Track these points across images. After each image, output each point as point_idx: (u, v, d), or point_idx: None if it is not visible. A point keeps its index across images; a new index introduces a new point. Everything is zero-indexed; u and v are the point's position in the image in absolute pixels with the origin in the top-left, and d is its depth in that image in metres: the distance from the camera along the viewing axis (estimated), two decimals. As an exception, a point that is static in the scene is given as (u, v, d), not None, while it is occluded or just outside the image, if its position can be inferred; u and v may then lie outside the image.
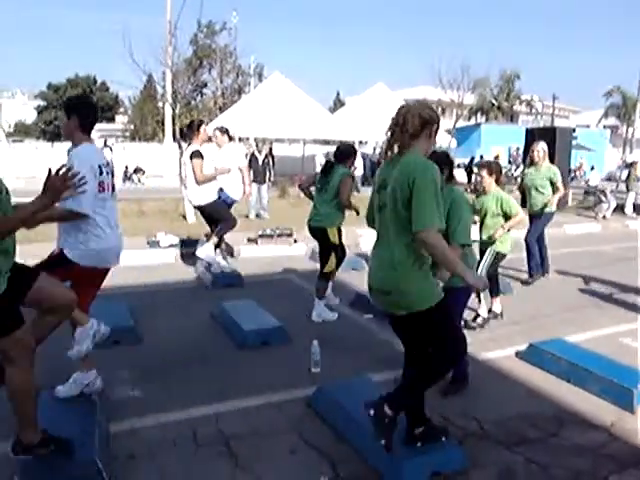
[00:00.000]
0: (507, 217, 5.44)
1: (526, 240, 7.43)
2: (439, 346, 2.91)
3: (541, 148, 7.29)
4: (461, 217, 3.81)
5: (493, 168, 5.52)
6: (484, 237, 5.56)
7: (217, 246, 7.04)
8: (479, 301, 5.51)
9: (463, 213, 3.85)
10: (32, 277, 2.99)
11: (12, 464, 2.94)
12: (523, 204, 7.38)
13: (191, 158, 6.57)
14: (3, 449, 3.24)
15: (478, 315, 5.53)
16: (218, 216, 6.91)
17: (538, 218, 7.35)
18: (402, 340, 3.17)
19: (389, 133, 2.83)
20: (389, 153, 2.88)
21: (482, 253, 5.49)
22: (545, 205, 7.22)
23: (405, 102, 3.03)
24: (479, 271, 5.25)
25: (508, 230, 5.47)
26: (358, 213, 5.84)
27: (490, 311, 5.67)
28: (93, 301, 3.93)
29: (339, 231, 5.72)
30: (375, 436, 2.92)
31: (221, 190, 7.34)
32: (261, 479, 3.02)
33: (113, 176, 3.70)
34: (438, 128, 2.88)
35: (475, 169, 5.82)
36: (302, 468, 3.13)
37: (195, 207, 7.08)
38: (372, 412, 2.91)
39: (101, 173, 3.49)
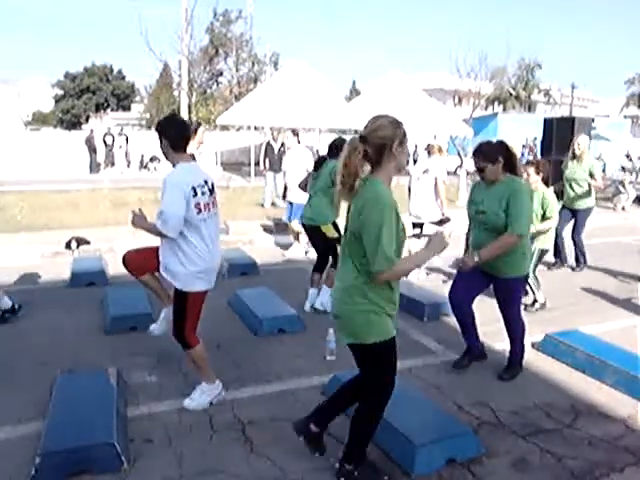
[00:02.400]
0: (544, 217, 5.65)
1: (573, 239, 7.55)
2: (370, 383, 2.83)
3: (582, 141, 7.35)
4: (520, 208, 3.86)
5: (541, 167, 5.60)
6: None
7: None
8: (533, 293, 5.80)
9: (523, 204, 3.88)
10: None
11: (33, 446, 3.00)
12: (559, 196, 7.51)
13: None
14: (26, 431, 3.32)
15: (536, 300, 5.81)
16: None
17: (578, 213, 7.41)
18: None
19: (340, 175, 2.58)
20: (347, 191, 2.60)
21: None
22: (583, 199, 7.32)
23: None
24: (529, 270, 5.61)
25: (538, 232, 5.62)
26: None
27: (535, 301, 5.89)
28: (113, 288, 3.97)
29: (335, 226, 5.49)
30: (310, 453, 3.02)
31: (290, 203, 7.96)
32: (276, 465, 3.05)
33: (212, 193, 3.63)
34: (404, 137, 2.61)
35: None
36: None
37: None
38: (302, 437, 3.02)
39: (195, 194, 3.43)
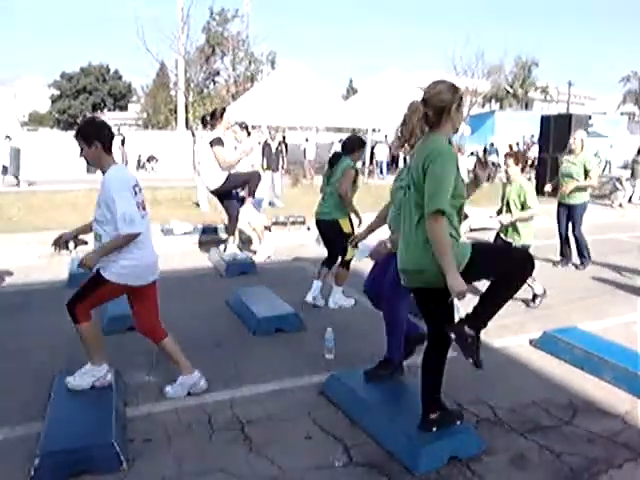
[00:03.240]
0: (523, 208, 5.62)
1: (574, 235, 7.49)
2: (505, 273, 2.95)
3: (579, 136, 7.31)
4: None
5: (520, 157, 5.62)
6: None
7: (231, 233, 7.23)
8: (530, 286, 5.74)
9: None
10: None
11: (32, 447, 3.00)
12: (554, 192, 7.60)
13: (212, 145, 6.65)
14: (24, 431, 3.32)
15: (535, 295, 5.79)
16: (227, 204, 7.02)
17: (573, 209, 7.37)
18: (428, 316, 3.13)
19: (399, 129, 2.87)
20: (408, 145, 2.90)
21: (501, 240, 5.81)
22: (577, 194, 7.26)
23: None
24: None
25: (517, 222, 5.65)
26: (360, 221, 5.71)
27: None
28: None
29: (351, 222, 5.56)
30: (464, 355, 3.02)
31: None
32: (275, 463, 3.05)
33: (141, 193, 3.71)
34: (460, 100, 2.86)
35: (490, 157, 5.92)
36: (316, 453, 3.16)
37: (211, 192, 7.15)
38: (453, 336, 2.98)
39: (135, 193, 3.53)
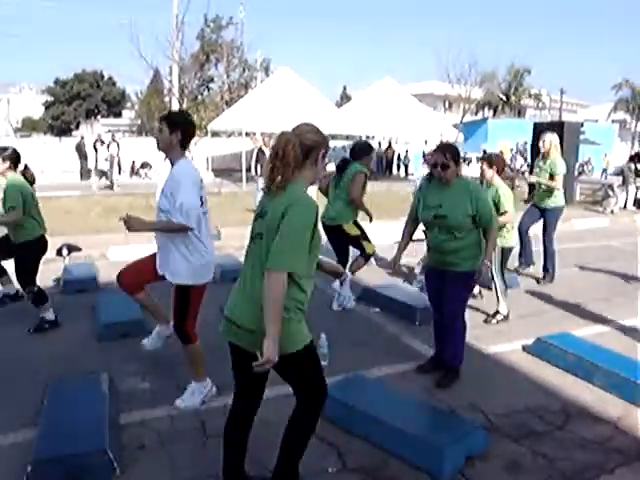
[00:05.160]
0: (498, 211, 5.27)
1: (544, 242, 7.12)
2: (303, 392, 2.74)
3: (547, 139, 7.00)
4: (487, 204, 4.03)
5: (493, 160, 5.54)
6: None
7: None
8: (498, 299, 5.57)
9: (486, 200, 4.07)
10: None
11: (25, 455, 2.99)
12: (532, 197, 7.45)
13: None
14: (17, 439, 3.31)
15: (497, 312, 5.56)
16: None
17: (545, 213, 7.08)
18: (243, 380, 2.86)
19: (269, 165, 2.50)
20: (272, 185, 2.50)
21: None
22: (549, 197, 6.98)
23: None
24: (494, 271, 5.46)
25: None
26: (371, 219, 5.98)
27: (497, 312, 5.58)
28: (105, 295, 3.97)
29: (356, 224, 5.80)
30: None
31: None
32: (269, 469, 3.04)
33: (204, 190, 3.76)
34: (326, 151, 2.60)
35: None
36: (310, 459, 3.14)
37: None
38: None
39: (201, 187, 3.56)
